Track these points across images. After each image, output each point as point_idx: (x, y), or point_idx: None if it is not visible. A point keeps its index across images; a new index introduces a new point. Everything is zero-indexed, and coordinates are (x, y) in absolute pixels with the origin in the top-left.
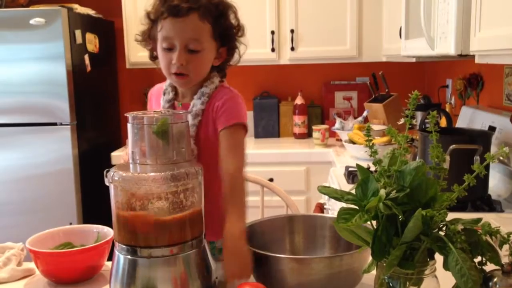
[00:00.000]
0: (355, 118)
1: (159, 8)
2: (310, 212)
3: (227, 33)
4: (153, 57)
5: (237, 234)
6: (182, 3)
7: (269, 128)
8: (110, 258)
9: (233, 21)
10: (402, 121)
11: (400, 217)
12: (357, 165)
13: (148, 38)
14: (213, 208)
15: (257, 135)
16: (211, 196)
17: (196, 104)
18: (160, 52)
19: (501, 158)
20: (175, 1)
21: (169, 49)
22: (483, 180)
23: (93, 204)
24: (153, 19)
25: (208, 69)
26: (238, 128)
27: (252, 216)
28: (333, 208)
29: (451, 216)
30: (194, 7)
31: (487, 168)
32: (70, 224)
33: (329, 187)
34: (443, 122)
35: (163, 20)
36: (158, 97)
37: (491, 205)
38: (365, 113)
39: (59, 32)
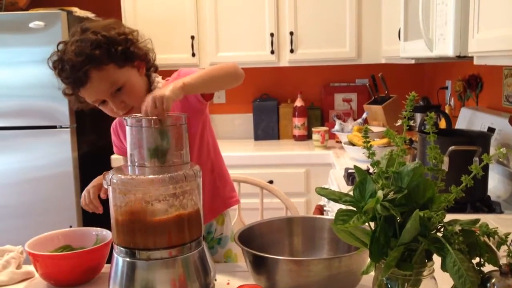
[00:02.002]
0: (354, 120)
1: (66, 85)
2: (310, 214)
3: (124, 51)
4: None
5: (182, 82)
6: (76, 73)
7: (269, 130)
8: (109, 260)
9: (121, 36)
10: (399, 122)
11: (398, 218)
12: (355, 166)
13: (80, 102)
14: None
15: (256, 137)
16: (207, 180)
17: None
18: (98, 106)
19: (500, 159)
20: (72, 77)
21: (102, 102)
22: (483, 182)
23: None
24: (71, 94)
25: (141, 88)
26: None
27: (252, 218)
28: (333, 210)
29: (450, 217)
30: (89, 70)
31: (486, 169)
32: (70, 227)
33: (327, 188)
34: (443, 124)
35: (78, 92)
36: (122, 123)
37: (491, 207)
38: (364, 115)
39: (59, 35)
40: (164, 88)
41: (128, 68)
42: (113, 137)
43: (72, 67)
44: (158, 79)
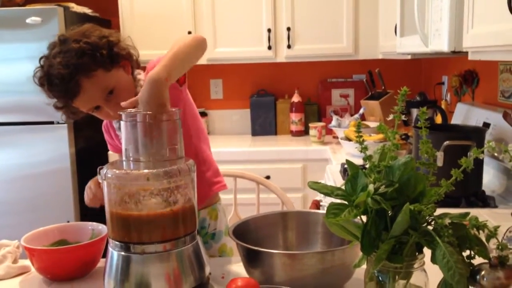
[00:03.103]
0: (351, 115)
1: (58, 100)
2: (305, 209)
3: (112, 56)
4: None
5: (163, 78)
6: (66, 84)
7: (266, 126)
8: (105, 255)
9: (103, 40)
10: (391, 117)
11: (389, 212)
12: (347, 160)
13: (74, 115)
14: None
15: (254, 133)
16: None
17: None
18: (93, 113)
19: (494, 154)
20: (61, 88)
21: (96, 108)
22: (477, 176)
23: None
24: (64, 106)
25: (131, 87)
26: None
27: (248, 213)
28: None
29: (444, 211)
30: (78, 80)
31: (480, 164)
32: (68, 222)
33: (319, 182)
34: (439, 119)
35: (71, 102)
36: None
37: (485, 201)
38: (361, 110)
39: (56, 31)
40: (151, 91)
41: (116, 69)
42: (106, 136)
43: (62, 80)
44: (140, 76)
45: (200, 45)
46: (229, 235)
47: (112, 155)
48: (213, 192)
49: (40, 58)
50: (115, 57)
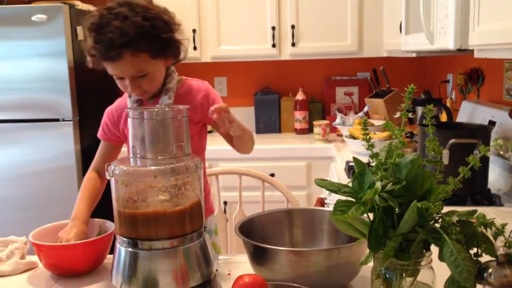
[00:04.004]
0: (356, 113)
1: (94, 50)
2: (310, 206)
3: (164, 45)
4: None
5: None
6: (111, 48)
7: (270, 124)
8: (112, 251)
9: (164, 25)
10: (398, 114)
11: (396, 209)
12: (354, 158)
13: (98, 65)
14: None
15: (258, 131)
16: None
17: (164, 99)
18: (115, 78)
19: (500, 151)
20: (105, 48)
21: (120, 78)
22: (483, 174)
23: None
24: (95, 56)
25: (161, 79)
26: None
27: (253, 211)
28: (334, 202)
29: (450, 209)
30: (124, 48)
31: (486, 162)
32: None
33: (326, 180)
34: (444, 117)
35: (104, 62)
36: (121, 112)
37: (491, 199)
38: (366, 109)
39: (61, 28)
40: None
41: (158, 60)
42: (106, 121)
43: (111, 42)
44: (174, 74)
45: (251, 145)
46: (235, 232)
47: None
48: (208, 216)
49: (104, 8)
50: (167, 51)
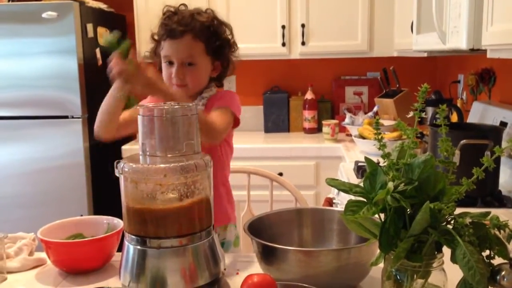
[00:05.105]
0: (365, 113)
1: (160, 30)
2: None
3: (220, 50)
4: (160, 70)
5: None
6: (178, 26)
7: (279, 123)
8: (120, 248)
9: (229, 36)
10: (411, 114)
11: (408, 210)
12: (366, 158)
13: (154, 55)
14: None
15: (267, 130)
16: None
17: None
18: (163, 66)
19: (511, 153)
20: (173, 25)
21: (170, 64)
22: (494, 176)
23: (104, 196)
24: (157, 40)
25: (205, 80)
26: (228, 111)
27: (262, 210)
28: (342, 202)
29: (461, 211)
30: (188, 30)
31: (497, 163)
32: (81, 216)
33: (337, 179)
34: (454, 118)
35: (163, 41)
36: None
37: (501, 201)
38: (375, 108)
39: (71, 26)
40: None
41: (208, 59)
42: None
43: (179, 22)
44: (214, 88)
45: (210, 130)
46: (244, 231)
47: (125, 150)
48: (225, 223)
49: (180, 4)
50: (218, 53)
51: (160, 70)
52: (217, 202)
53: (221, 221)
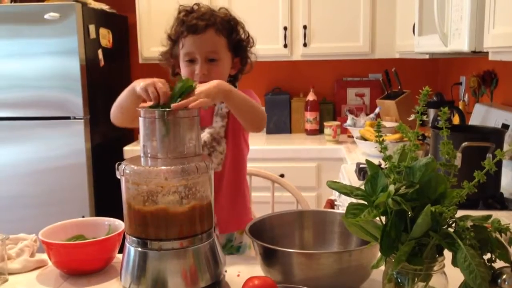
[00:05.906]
0: (367, 114)
1: (178, 28)
2: (320, 208)
3: (240, 45)
4: (174, 74)
5: (227, 88)
6: (199, 21)
7: (281, 124)
8: (121, 250)
9: (243, 35)
10: (412, 117)
11: (409, 213)
12: (367, 160)
13: (170, 57)
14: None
15: (268, 131)
16: (234, 192)
17: (221, 106)
18: (183, 66)
19: None
20: (193, 20)
21: (191, 62)
22: (495, 178)
23: (105, 197)
24: (174, 39)
25: (226, 77)
26: (257, 104)
27: (263, 211)
28: (344, 204)
29: (462, 214)
30: (210, 24)
31: (499, 165)
32: (83, 217)
33: (338, 182)
34: (456, 120)
35: (184, 38)
36: None
37: (503, 203)
38: (377, 110)
39: (73, 27)
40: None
41: (230, 55)
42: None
43: (201, 17)
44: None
45: (261, 119)
46: (246, 233)
47: (127, 151)
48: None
49: (194, 4)
50: (238, 48)
51: (174, 74)
52: (240, 201)
53: (244, 224)
